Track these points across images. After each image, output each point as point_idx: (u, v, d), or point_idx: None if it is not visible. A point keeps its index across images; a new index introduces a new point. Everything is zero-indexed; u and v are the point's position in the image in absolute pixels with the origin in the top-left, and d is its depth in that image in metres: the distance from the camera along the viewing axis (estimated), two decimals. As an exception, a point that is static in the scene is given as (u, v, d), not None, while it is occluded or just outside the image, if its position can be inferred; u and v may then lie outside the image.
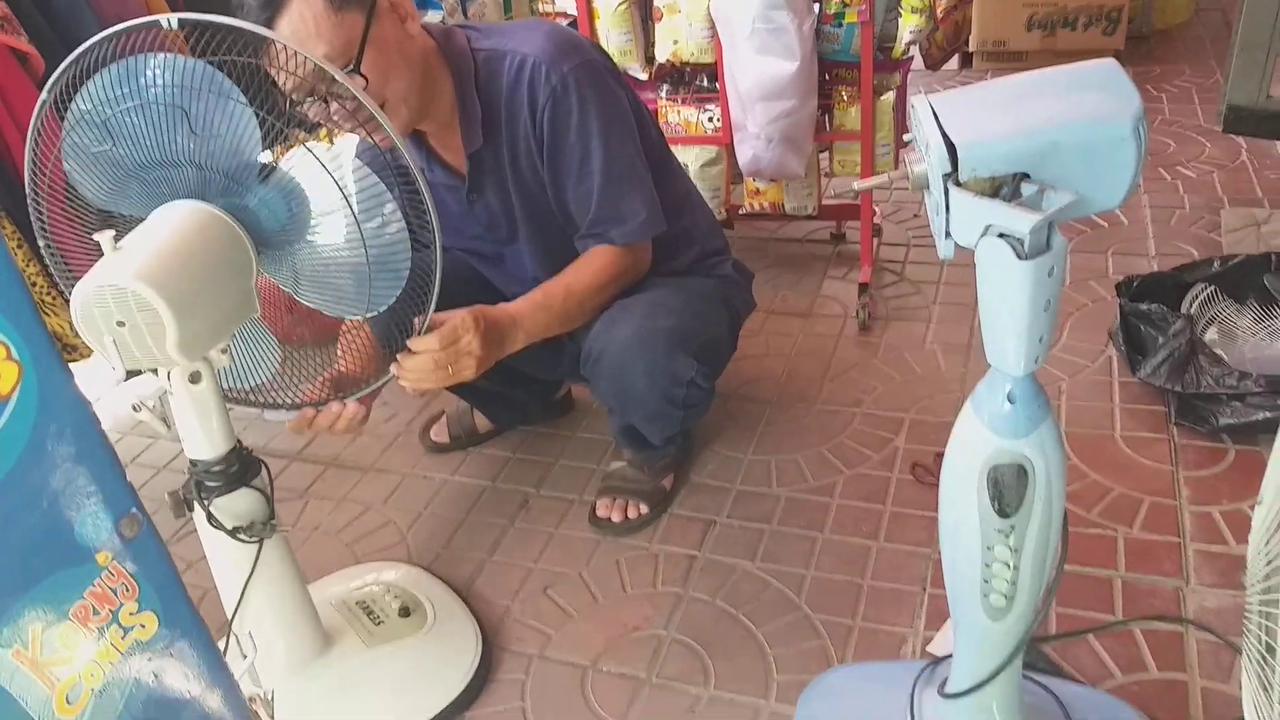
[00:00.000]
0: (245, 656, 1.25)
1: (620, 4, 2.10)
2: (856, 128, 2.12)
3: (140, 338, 1.06)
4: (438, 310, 1.32)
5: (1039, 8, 3.44)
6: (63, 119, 1.11)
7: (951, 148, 0.79)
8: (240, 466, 1.24)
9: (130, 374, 1.11)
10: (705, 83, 2.22)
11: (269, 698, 1.23)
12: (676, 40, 2.13)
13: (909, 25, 2.04)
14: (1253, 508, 1.02)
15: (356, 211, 1.17)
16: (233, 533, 1.24)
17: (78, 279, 1.05)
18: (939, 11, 2.42)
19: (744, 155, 2.16)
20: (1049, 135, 0.79)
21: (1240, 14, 2.27)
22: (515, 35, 1.49)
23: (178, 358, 1.08)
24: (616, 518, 1.73)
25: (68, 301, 1.07)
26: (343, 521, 1.86)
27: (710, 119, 2.19)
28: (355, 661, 1.43)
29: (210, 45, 1.09)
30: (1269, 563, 0.91)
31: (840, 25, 2.00)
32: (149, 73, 1.08)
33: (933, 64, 3.21)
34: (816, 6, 2.00)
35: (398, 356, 1.35)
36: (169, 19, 1.07)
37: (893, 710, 1.18)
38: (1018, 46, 3.53)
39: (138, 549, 0.83)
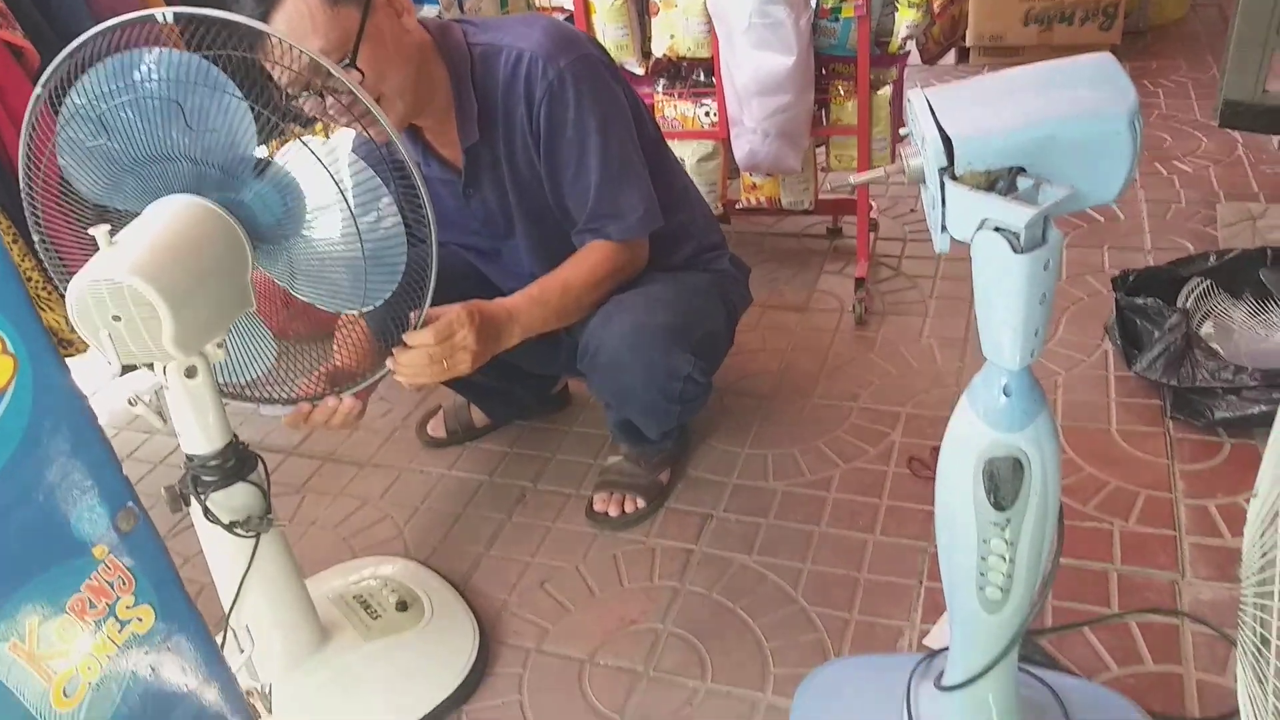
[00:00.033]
0: (242, 651, 1.26)
1: (617, -2, 2.10)
2: (853, 122, 2.12)
3: (136, 332, 1.05)
4: (434, 305, 1.31)
5: (1036, 2, 3.44)
6: (57, 114, 1.11)
7: (947, 141, 0.79)
8: (237, 461, 1.24)
9: (126, 369, 1.11)
10: (702, 77, 2.22)
11: (266, 691, 1.23)
12: (673, 34, 2.12)
13: (905, 20, 2.04)
14: (1248, 501, 1.03)
15: (352, 206, 1.16)
16: (229, 527, 1.24)
17: (72, 274, 1.05)
18: (935, 6, 2.42)
19: (740, 150, 2.16)
20: (1045, 129, 0.79)
21: (1237, 9, 2.27)
22: (512, 29, 1.48)
23: (174, 352, 1.08)
24: (613, 512, 1.73)
25: (63, 296, 1.07)
26: (340, 516, 1.86)
27: (707, 114, 2.19)
28: (352, 656, 1.43)
29: (205, 40, 1.09)
30: (1264, 555, 0.92)
31: (837, 20, 2.00)
32: (144, 67, 1.08)
33: (929, 59, 3.20)
34: (813, 1, 2.00)
35: (393, 351, 1.35)
36: (164, 13, 1.07)
37: (889, 703, 1.19)
38: (1014, 41, 3.53)
39: (134, 543, 0.83)
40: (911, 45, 2.16)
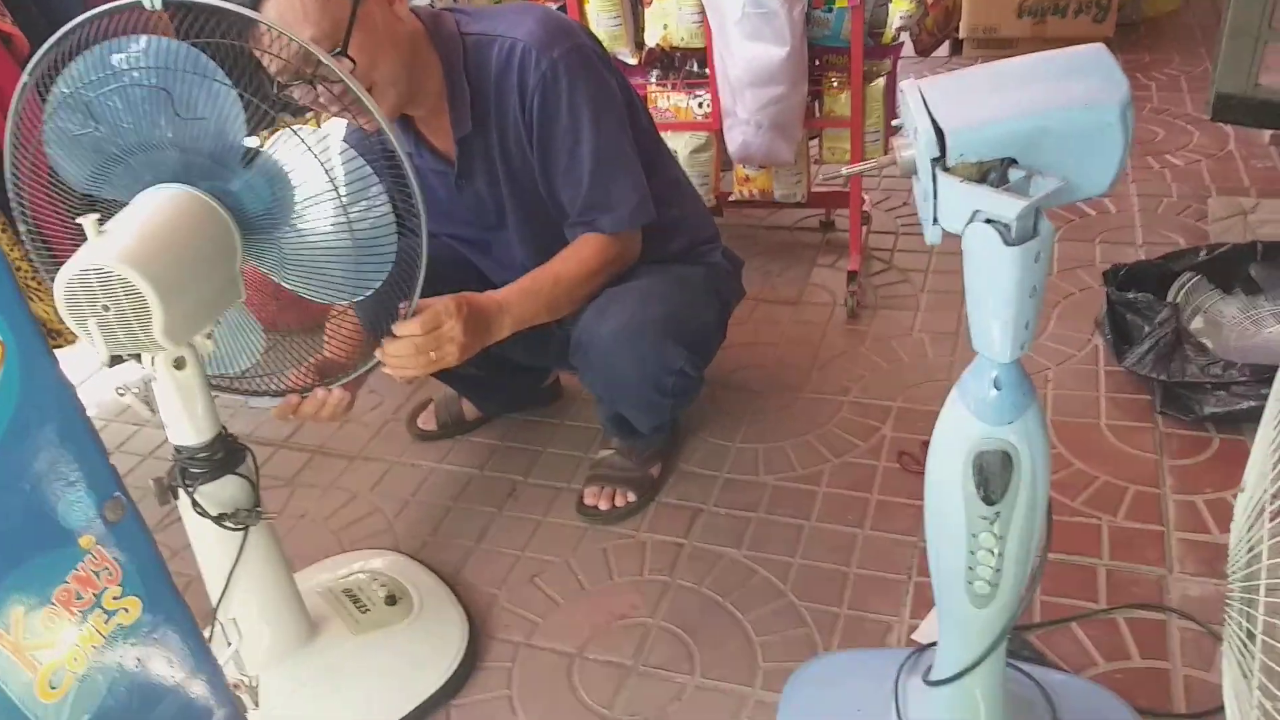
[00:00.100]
0: (230, 643, 1.25)
1: (610, -12, 2.10)
2: (846, 114, 2.12)
3: (126, 322, 1.05)
4: (425, 297, 1.31)
5: (1029, -5, 3.45)
6: (45, 102, 1.10)
7: (940, 132, 0.79)
8: (225, 453, 1.23)
9: (114, 360, 1.11)
10: (695, 68, 2.22)
11: (254, 684, 1.23)
12: (666, 25, 2.12)
13: (899, 11, 2.04)
14: (1236, 496, 1.03)
15: (342, 195, 1.16)
16: (218, 520, 1.23)
17: (59, 264, 1.04)
18: (929, -2, 2.42)
19: (734, 141, 2.16)
20: (1036, 120, 0.79)
21: (1229, 2, 2.28)
22: (505, 19, 1.48)
23: (163, 342, 1.07)
24: (604, 506, 1.73)
25: (52, 286, 1.06)
26: (329, 509, 1.86)
27: (700, 104, 2.19)
28: (341, 649, 1.43)
29: (195, 27, 1.08)
30: (1250, 550, 0.92)
31: (831, 10, 2.00)
32: (132, 55, 1.07)
33: (923, 50, 3.20)
34: (807, -8, 2.00)
35: (381, 341, 1.34)
36: (152, 0, 1.06)
37: (878, 698, 1.19)
38: (1008, 33, 3.53)
39: (122, 533, 0.83)
40: (905, 37, 2.15)
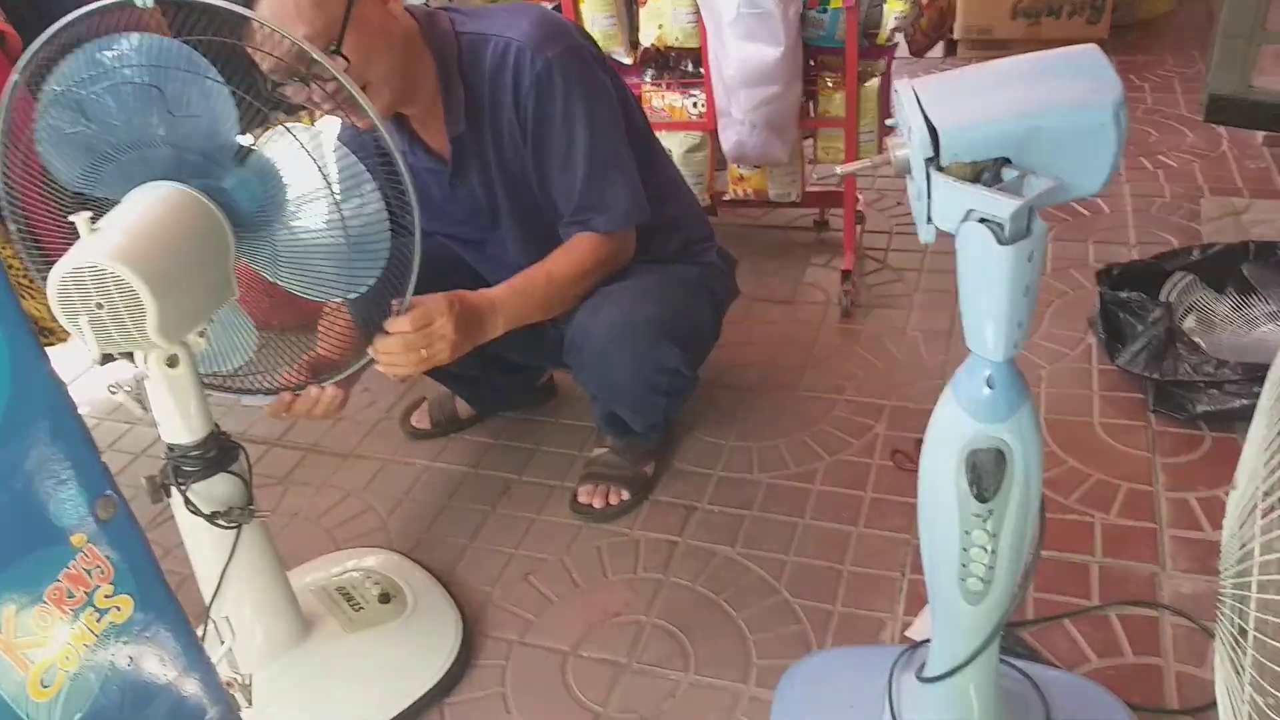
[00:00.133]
0: (223, 642, 1.25)
1: (604, -12, 2.10)
2: (841, 114, 2.12)
3: (119, 320, 1.05)
4: (419, 296, 1.31)
5: (1023, -4, 3.45)
6: (37, 100, 1.10)
7: (934, 132, 0.79)
8: (218, 452, 1.23)
9: (106, 358, 1.10)
10: (690, 68, 2.22)
11: (247, 683, 1.22)
12: (661, 25, 2.12)
13: (894, 11, 2.04)
14: (1228, 494, 1.03)
15: (335, 192, 1.16)
16: (211, 518, 1.23)
17: (51, 263, 1.04)
18: (923, -1, 2.42)
19: (728, 141, 2.16)
20: (1030, 120, 0.79)
21: (1223, 5, 2.28)
22: (499, 19, 1.47)
23: (157, 340, 1.07)
24: (598, 504, 1.73)
25: (44, 284, 1.06)
26: (323, 507, 1.85)
27: (695, 104, 2.19)
28: (335, 647, 1.43)
29: (188, 25, 1.07)
30: (1242, 548, 0.92)
31: (825, 11, 2.00)
32: (124, 52, 1.06)
33: (917, 50, 3.20)
34: (801, -8, 2.00)
35: (374, 338, 1.34)
36: (146, -3, 1.06)
37: (871, 694, 1.19)
38: (1002, 34, 3.54)
39: (113, 531, 0.82)
40: (899, 37, 2.16)
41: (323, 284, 1.23)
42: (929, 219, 0.83)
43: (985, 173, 0.81)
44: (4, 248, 1.77)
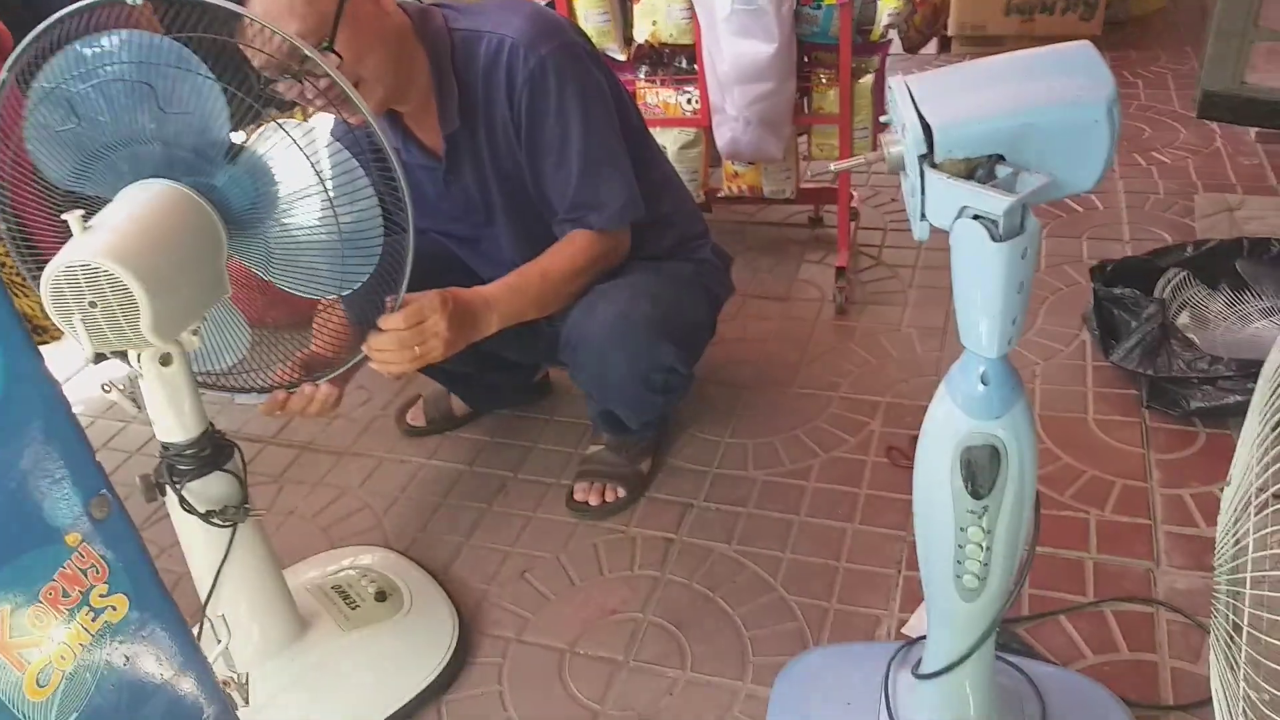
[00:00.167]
0: (220, 641, 1.25)
1: (598, -16, 2.09)
2: (835, 111, 2.12)
3: (113, 318, 1.04)
4: (414, 294, 1.31)
5: (1017, -8, 3.46)
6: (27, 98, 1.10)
7: (927, 129, 0.79)
8: (213, 450, 1.23)
9: (99, 357, 1.10)
10: (684, 64, 2.21)
11: (244, 681, 1.22)
12: (655, 21, 2.12)
13: (887, 8, 2.04)
14: (1222, 490, 1.04)
15: (329, 189, 1.15)
16: (206, 517, 1.23)
17: (43, 262, 1.04)
18: (917, -5, 2.43)
19: (722, 137, 2.16)
20: (1024, 117, 0.79)
21: (1216, 2, 2.29)
22: (493, 15, 1.47)
23: (151, 338, 1.07)
24: (594, 501, 1.73)
25: (37, 282, 1.05)
26: (318, 505, 1.85)
27: (689, 101, 2.19)
28: (331, 646, 1.43)
29: (179, 22, 1.07)
30: (1237, 544, 0.93)
31: (819, 7, 2.00)
32: (115, 49, 1.06)
33: (911, 47, 3.20)
34: (795, -12, 2.00)
35: (367, 336, 1.34)
36: (137, -6, 1.05)
37: (867, 691, 1.19)
38: (996, 31, 3.54)
39: (108, 531, 0.82)
40: (893, 34, 2.15)
41: (315, 281, 1.23)
42: (923, 216, 0.83)
43: (979, 169, 0.81)
44: (-3, 246, 1.76)
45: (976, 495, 0.92)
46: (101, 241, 1.02)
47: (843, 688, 1.27)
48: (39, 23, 1.07)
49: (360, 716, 1.38)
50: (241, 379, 1.36)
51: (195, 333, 1.18)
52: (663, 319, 1.54)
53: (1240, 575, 0.89)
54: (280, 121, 1.13)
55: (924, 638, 1.12)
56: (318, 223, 1.18)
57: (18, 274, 1.79)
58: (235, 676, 1.22)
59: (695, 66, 2.13)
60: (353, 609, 1.48)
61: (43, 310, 1.06)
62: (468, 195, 1.59)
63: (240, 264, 1.24)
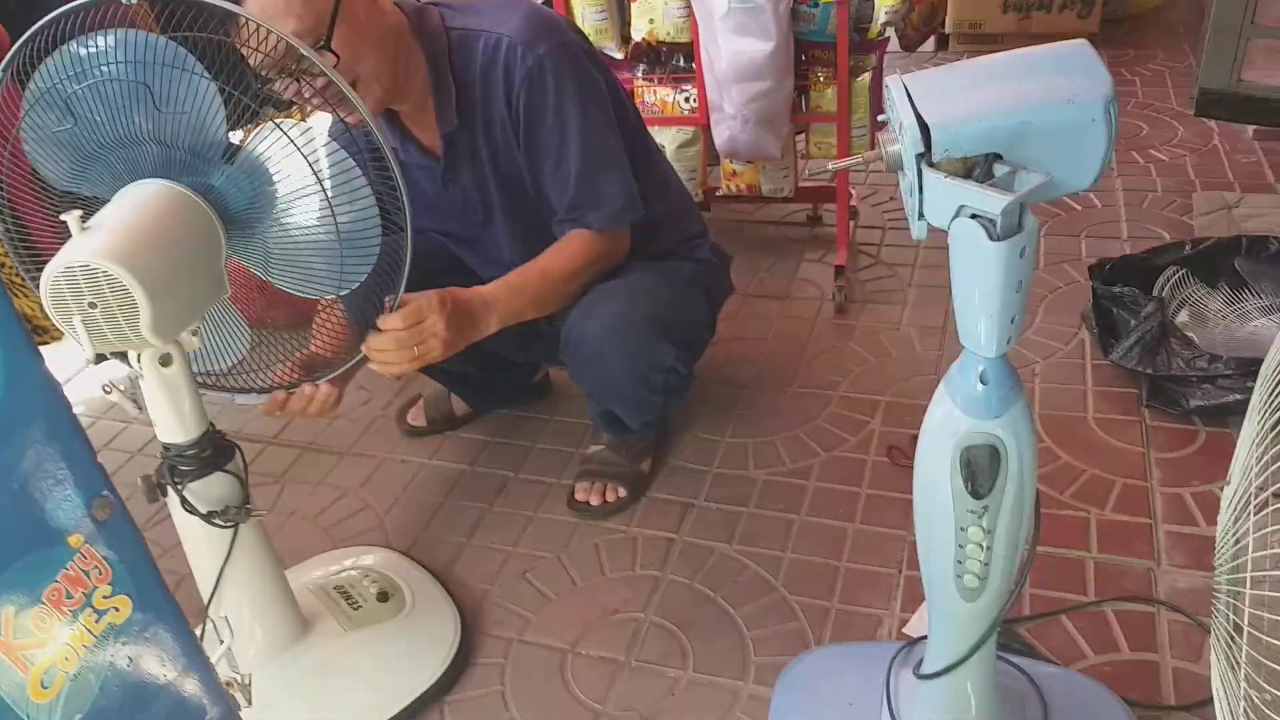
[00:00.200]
0: (222, 641, 1.25)
1: (596, -16, 2.09)
2: (833, 109, 2.12)
3: (112, 318, 1.04)
4: (413, 294, 1.31)
5: (1015, -10, 3.46)
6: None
7: (925, 128, 0.79)
8: (214, 450, 1.23)
9: (99, 358, 1.10)
10: (681, 63, 2.21)
11: (246, 682, 1.22)
12: (652, 19, 2.12)
13: (885, 6, 2.04)
14: (1222, 489, 1.04)
15: (326, 188, 1.15)
16: (207, 518, 1.23)
17: (42, 262, 1.04)
18: (915, -6, 2.43)
19: (720, 136, 2.16)
20: (1021, 116, 0.79)
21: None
22: (490, 14, 1.47)
23: (150, 339, 1.07)
24: (595, 501, 1.73)
25: (37, 283, 1.05)
26: (320, 506, 1.85)
27: (686, 99, 2.19)
28: (333, 646, 1.43)
29: (174, 21, 1.07)
30: (1237, 543, 0.93)
31: (816, 6, 2.00)
32: (110, 49, 1.06)
33: (908, 45, 3.21)
34: (793, -13, 2.00)
35: (366, 336, 1.34)
36: (134, -6, 1.05)
37: (869, 691, 1.19)
38: (993, 29, 3.54)
39: (110, 532, 0.82)
40: (890, 32, 2.16)
41: (314, 281, 1.23)
42: (921, 215, 0.83)
43: (977, 168, 0.81)
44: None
45: (976, 495, 0.92)
46: (100, 242, 1.02)
47: (844, 688, 1.27)
48: (33, 18, 1.07)
49: (363, 717, 1.38)
50: (241, 379, 1.36)
51: (195, 333, 1.18)
52: (662, 319, 1.54)
53: (1240, 575, 0.89)
54: (277, 121, 1.13)
55: (925, 638, 1.12)
56: (316, 222, 1.18)
57: (17, 274, 1.79)
58: (238, 677, 1.22)
59: (693, 65, 2.13)
60: (355, 609, 1.48)
61: (43, 310, 1.06)
62: (466, 195, 1.59)
63: (239, 264, 1.24)
